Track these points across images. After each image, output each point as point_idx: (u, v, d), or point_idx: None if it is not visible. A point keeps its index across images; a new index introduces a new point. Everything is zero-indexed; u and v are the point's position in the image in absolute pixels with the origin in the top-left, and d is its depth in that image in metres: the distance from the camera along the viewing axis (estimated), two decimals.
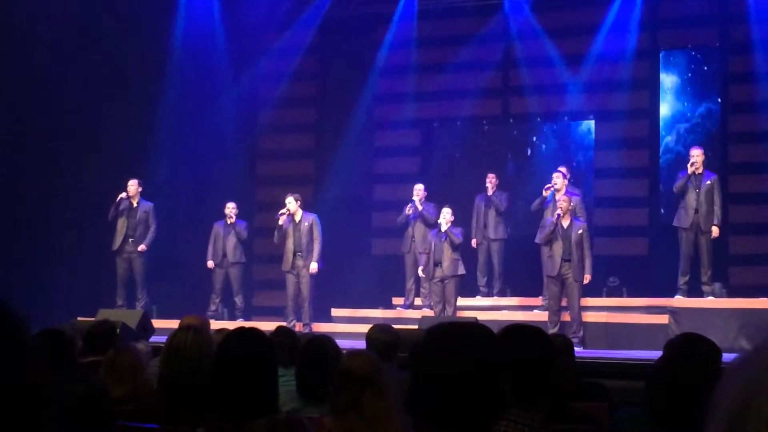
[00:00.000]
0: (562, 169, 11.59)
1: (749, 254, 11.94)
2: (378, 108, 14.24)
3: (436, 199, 12.05)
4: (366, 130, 14.13)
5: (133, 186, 12.10)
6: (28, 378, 0.94)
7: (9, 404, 0.92)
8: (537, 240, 10.93)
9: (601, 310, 11.19)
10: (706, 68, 12.95)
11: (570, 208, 10.61)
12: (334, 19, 14.00)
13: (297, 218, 11.66)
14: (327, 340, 4.40)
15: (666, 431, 2.44)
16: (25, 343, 0.96)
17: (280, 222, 11.64)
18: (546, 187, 11.22)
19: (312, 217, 11.68)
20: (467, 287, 11.78)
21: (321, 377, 4.05)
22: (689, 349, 2.53)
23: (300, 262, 11.61)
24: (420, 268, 11.50)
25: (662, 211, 12.53)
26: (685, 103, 12.96)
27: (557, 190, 11.01)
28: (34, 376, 0.95)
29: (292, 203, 11.62)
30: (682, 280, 10.69)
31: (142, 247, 12.03)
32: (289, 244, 11.65)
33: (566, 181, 11.22)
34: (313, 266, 11.55)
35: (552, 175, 11.24)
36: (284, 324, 10.13)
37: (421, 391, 1.82)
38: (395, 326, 5.97)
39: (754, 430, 0.80)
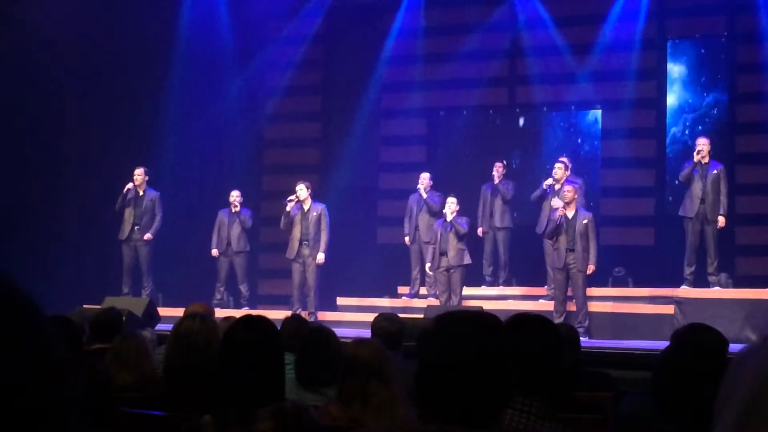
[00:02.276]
0: (564, 159, 11.58)
1: (756, 245, 11.92)
2: (384, 97, 14.22)
3: (442, 188, 12.04)
4: (372, 118, 14.11)
5: (139, 175, 12.10)
6: (50, 363, 0.91)
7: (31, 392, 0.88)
8: (538, 230, 10.94)
9: (606, 300, 11.19)
10: (713, 58, 12.90)
11: (575, 198, 10.59)
12: (340, 8, 13.98)
13: (306, 207, 11.64)
14: (328, 330, 4.41)
15: (672, 420, 2.44)
16: (45, 326, 0.94)
17: (288, 208, 11.63)
18: (546, 182, 11.13)
19: (321, 207, 11.67)
20: (473, 276, 11.78)
21: (322, 366, 4.06)
22: (696, 339, 2.53)
23: (306, 251, 11.61)
24: (427, 266, 11.45)
25: (669, 201, 12.51)
26: (693, 93, 12.92)
27: (557, 180, 10.98)
28: (57, 360, 0.93)
29: (303, 190, 11.60)
30: (688, 271, 10.67)
31: (147, 236, 12.04)
32: (296, 232, 11.64)
33: (567, 172, 11.21)
34: (320, 257, 11.54)
35: (555, 165, 11.22)
36: (298, 312, 10.17)
37: (428, 380, 1.82)
38: (401, 315, 5.98)
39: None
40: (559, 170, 11.06)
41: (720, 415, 0.87)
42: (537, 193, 11.29)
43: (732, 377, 1.00)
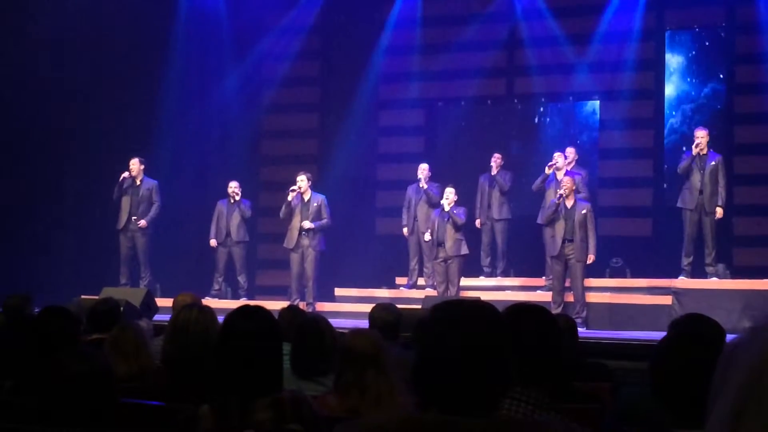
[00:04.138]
0: (570, 150, 11.62)
1: (753, 235, 11.93)
2: (382, 87, 14.20)
3: (440, 179, 12.03)
4: (370, 109, 14.10)
5: (135, 165, 12.07)
6: None
7: None
8: (539, 220, 10.97)
9: (604, 290, 11.21)
10: (711, 48, 12.89)
11: (573, 188, 10.62)
12: None
13: (306, 197, 11.65)
14: (322, 319, 4.42)
15: (669, 411, 2.44)
16: None
17: (289, 198, 11.62)
18: (548, 164, 11.29)
19: (321, 198, 11.67)
20: (471, 267, 11.78)
21: (316, 356, 4.07)
22: (693, 329, 2.53)
23: (306, 242, 11.61)
24: (427, 234, 11.37)
25: (666, 192, 12.51)
26: (691, 84, 12.91)
27: (558, 169, 11.08)
28: None
29: (303, 181, 11.60)
30: (685, 261, 10.68)
31: (142, 223, 11.97)
32: (296, 222, 11.64)
33: (567, 161, 11.29)
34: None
35: (554, 153, 11.34)
36: (296, 303, 10.17)
37: (427, 369, 1.82)
38: (399, 306, 5.98)
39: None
40: (560, 158, 11.17)
41: (715, 401, 0.87)
42: (539, 180, 11.40)
43: (726, 364, 1.00)
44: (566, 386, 3.73)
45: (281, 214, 11.73)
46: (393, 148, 14.16)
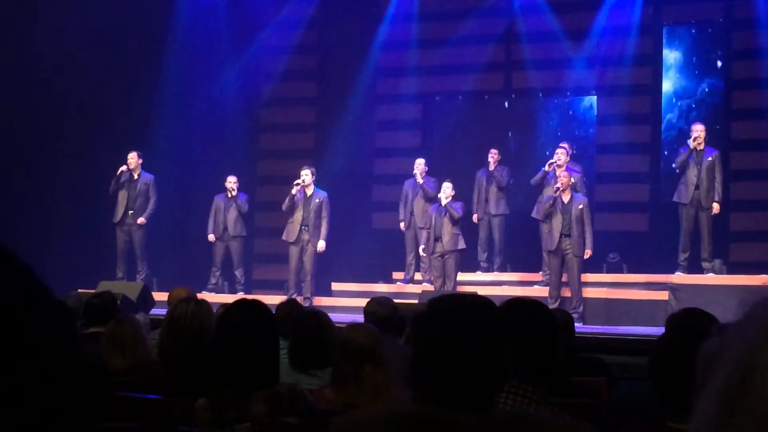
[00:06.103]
0: (565, 144, 11.62)
1: (750, 231, 11.94)
2: (379, 82, 14.19)
3: (436, 173, 12.03)
4: (367, 103, 14.08)
5: (132, 159, 12.07)
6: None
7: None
8: (534, 215, 10.97)
9: (601, 285, 11.21)
10: (709, 44, 12.89)
11: (570, 183, 10.62)
12: None
13: (309, 192, 11.65)
14: (321, 313, 4.42)
15: (666, 404, 2.45)
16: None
17: (294, 191, 11.63)
18: (549, 162, 11.25)
19: (323, 195, 11.67)
20: (468, 262, 11.79)
21: (315, 350, 4.07)
22: (691, 323, 2.54)
23: (306, 236, 11.61)
24: (421, 248, 11.48)
25: (663, 187, 12.51)
26: (688, 79, 12.91)
27: (559, 166, 11.05)
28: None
29: (308, 176, 11.61)
30: (682, 257, 10.69)
31: (141, 220, 12.00)
32: (298, 217, 11.64)
33: (568, 158, 11.29)
34: (321, 245, 11.54)
35: (556, 150, 11.29)
36: (293, 297, 10.16)
37: (423, 363, 1.82)
38: (396, 300, 5.97)
39: (759, 397, 0.78)
40: (562, 155, 11.11)
41: (705, 395, 0.85)
42: (538, 176, 11.36)
43: (708, 360, 0.99)
44: (563, 381, 3.74)
45: (284, 207, 11.73)
46: (390, 142, 14.15)
